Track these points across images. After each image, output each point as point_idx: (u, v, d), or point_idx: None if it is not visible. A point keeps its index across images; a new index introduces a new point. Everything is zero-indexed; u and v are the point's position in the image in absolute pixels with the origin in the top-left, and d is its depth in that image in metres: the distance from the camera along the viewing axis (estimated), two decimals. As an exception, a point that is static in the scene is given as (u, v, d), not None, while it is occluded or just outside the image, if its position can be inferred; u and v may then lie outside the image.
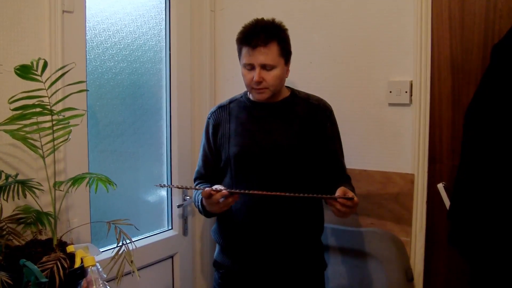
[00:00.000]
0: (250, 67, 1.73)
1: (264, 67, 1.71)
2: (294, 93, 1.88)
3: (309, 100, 1.87)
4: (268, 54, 1.70)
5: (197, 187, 1.86)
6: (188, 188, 1.81)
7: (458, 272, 1.95)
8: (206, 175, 1.94)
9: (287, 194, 1.60)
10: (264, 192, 1.59)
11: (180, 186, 2.05)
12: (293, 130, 1.79)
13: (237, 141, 1.82)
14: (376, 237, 2.06)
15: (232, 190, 1.62)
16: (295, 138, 1.78)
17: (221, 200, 1.62)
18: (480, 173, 1.52)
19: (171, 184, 2.40)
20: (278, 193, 1.59)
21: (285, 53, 1.77)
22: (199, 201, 1.79)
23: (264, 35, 1.70)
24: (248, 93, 1.89)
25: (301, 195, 1.59)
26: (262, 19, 1.76)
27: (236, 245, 1.86)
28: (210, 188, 1.62)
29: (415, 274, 2.03)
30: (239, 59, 1.80)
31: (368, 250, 2.06)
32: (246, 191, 1.61)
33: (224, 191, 1.59)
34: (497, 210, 1.47)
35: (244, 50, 1.74)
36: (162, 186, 2.01)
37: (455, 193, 1.63)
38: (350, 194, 1.59)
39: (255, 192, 1.60)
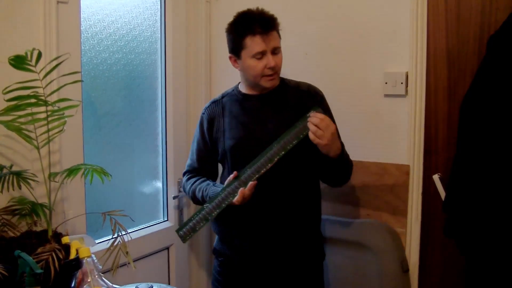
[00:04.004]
0: (261, 55, 1.72)
1: (273, 51, 1.73)
2: (284, 82, 1.89)
3: (299, 87, 1.88)
4: (276, 37, 1.75)
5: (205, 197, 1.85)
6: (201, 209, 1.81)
7: (453, 263, 1.96)
8: (199, 169, 1.96)
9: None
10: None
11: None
12: (285, 118, 1.79)
13: (232, 134, 1.84)
14: (371, 228, 2.06)
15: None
16: (287, 127, 1.76)
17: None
18: (476, 165, 1.52)
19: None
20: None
21: (279, 37, 1.80)
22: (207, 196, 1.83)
23: (267, 21, 1.73)
24: (239, 86, 1.90)
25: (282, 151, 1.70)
26: (249, 9, 1.78)
27: (235, 235, 1.87)
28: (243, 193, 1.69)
29: (411, 265, 2.04)
30: (239, 53, 1.76)
31: (363, 241, 2.06)
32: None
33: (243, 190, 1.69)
34: (493, 201, 1.47)
35: (254, 39, 1.71)
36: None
37: (451, 185, 1.64)
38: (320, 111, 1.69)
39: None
